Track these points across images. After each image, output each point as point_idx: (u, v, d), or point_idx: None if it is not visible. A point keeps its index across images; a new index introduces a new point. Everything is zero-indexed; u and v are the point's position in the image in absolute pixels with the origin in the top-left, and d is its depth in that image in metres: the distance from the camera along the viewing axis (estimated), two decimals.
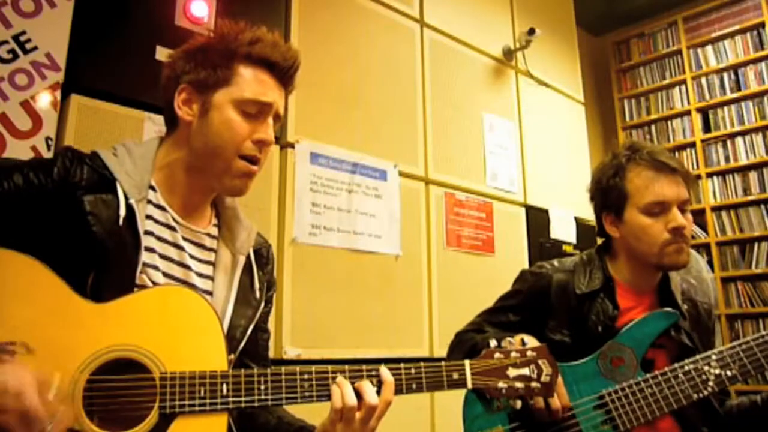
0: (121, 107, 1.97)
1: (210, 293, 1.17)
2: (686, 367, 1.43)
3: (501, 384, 1.15)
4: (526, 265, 3.07)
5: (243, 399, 1.02)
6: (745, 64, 4.76)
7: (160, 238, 1.13)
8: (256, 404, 1.03)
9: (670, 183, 1.52)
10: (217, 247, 1.22)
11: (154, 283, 1.08)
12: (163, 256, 1.12)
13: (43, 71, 1.86)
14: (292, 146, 2.39)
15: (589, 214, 3.22)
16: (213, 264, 1.20)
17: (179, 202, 1.17)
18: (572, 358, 1.49)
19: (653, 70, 5.23)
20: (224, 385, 1.01)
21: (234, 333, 1.15)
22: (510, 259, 3.13)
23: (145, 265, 1.07)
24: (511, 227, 3.25)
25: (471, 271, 2.95)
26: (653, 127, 5.19)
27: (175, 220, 1.16)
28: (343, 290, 2.43)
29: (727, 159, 4.76)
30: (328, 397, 1.06)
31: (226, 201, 1.27)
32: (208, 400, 0.99)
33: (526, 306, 1.62)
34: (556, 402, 1.33)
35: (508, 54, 3.50)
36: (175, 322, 1.03)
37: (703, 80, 4.94)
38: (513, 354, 1.18)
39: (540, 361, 1.19)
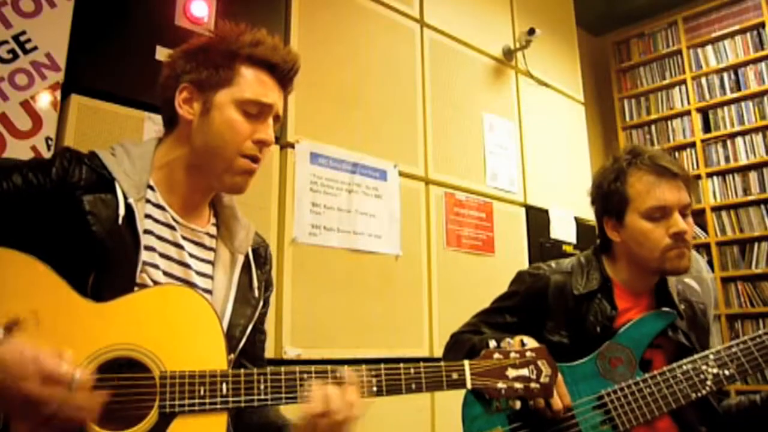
0: (121, 107, 1.98)
1: (210, 292, 1.17)
2: (684, 367, 1.43)
3: (500, 384, 1.16)
4: (526, 265, 3.07)
5: (243, 398, 1.02)
6: (745, 64, 4.76)
7: (159, 237, 1.13)
8: (255, 404, 1.03)
9: (671, 188, 1.52)
10: (216, 246, 1.23)
11: (155, 282, 1.08)
12: (163, 255, 1.12)
13: (43, 71, 1.86)
14: (292, 146, 2.39)
15: (589, 214, 3.23)
16: (212, 263, 1.21)
17: (178, 201, 1.18)
18: (571, 359, 1.49)
19: (653, 70, 5.24)
20: (224, 385, 1.01)
21: (233, 332, 1.16)
22: (510, 259, 3.13)
23: (145, 263, 1.08)
24: (511, 227, 3.25)
25: (471, 271, 2.95)
26: (653, 127, 5.19)
27: (174, 219, 1.16)
28: (343, 290, 2.43)
29: (727, 159, 4.76)
30: None
31: (224, 200, 1.28)
32: (207, 400, 0.99)
33: (524, 307, 1.62)
34: (557, 402, 1.33)
35: (508, 54, 3.50)
36: (175, 322, 1.03)
37: (703, 80, 4.94)
38: (512, 355, 1.18)
39: (539, 362, 1.19)
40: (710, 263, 4.52)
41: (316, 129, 2.49)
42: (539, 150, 3.57)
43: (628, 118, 5.32)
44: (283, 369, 1.06)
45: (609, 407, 1.43)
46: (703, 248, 4.70)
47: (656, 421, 1.43)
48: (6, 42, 1.81)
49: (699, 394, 1.41)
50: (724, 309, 4.55)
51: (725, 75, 4.84)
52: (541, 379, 1.17)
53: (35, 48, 1.86)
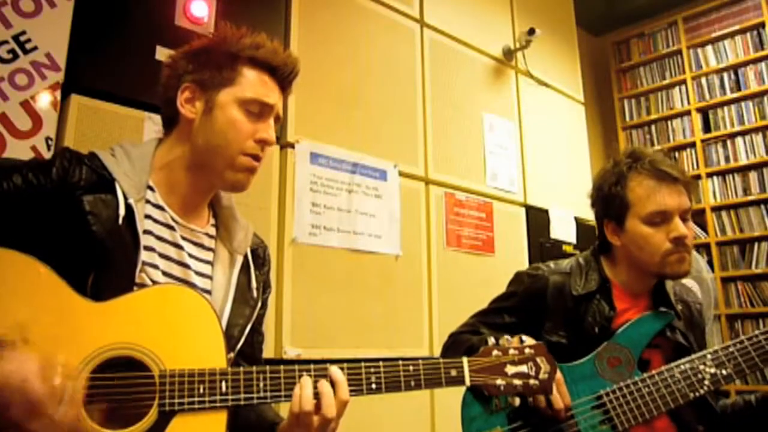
0: (121, 107, 1.98)
1: (209, 292, 1.17)
2: (682, 367, 1.44)
3: (499, 381, 1.16)
4: (526, 265, 3.07)
5: (242, 396, 1.02)
6: (745, 64, 4.76)
7: (159, 237, 1.13)
8: (255, 402, 1.03)
9: (672, 192, 1.52)
10: (215, 247, 1.23)
11: (154, 282, 1.08)
12: (162, 255, 1.13)
13: (43, 71, 1.86)
14: (292, 146, 2.39)
15: (589, 214, 3.22)
16: (211, 263, 1.21)
17: (178, 201, 1.18)
18: (569, 359, 1.49)
19: (653, 70, 5.24)
20: (223, 383, 1.01)
21: (232, 331, 1.16)
22: (510, 259, 3.13)
23: (144, 263, 1.08)
24: (511, 227, 3.25)
25: (471, 271, 2.95)
26: (653, 127, 5.19)
27: (173, 220, 1.17)
28: (343, 290, 2.43)
29: (727, 159, 4.76)
30: None
31: (222, 201, 1.28)
32: (207, 398, 1.00)
33: (522, 308, 1.62)
34: (558, 401, 1.34)
35: (508, 54, 3.50)
36: (174, 321, 1.04)
37: (703, 80, 4.94)
38: (511, 351, 1.18)
39: (538, 359, 1.19)
40: (710, 263, 4.52)
41: (316, 129, 2.49)
42: (539, 150, 3.58)
43: (628, 118, 5.32)
44: (282, 368, 1.06)
45: (608, 407, 1.43)
46: (703, 248, 4.70)
47: (654, 420, 1.43)
48: (6, 42, 1.81)
49: (697, 394, 1.41)
50: (724, 309, 4.55)
51: (725, 75, 4.84)
52: (540, 376, 1.17)
53: (35, 48, 1.86)
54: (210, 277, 1.19)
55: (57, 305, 0.97)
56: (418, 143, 2.90)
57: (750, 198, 4.59)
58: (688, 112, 4.99)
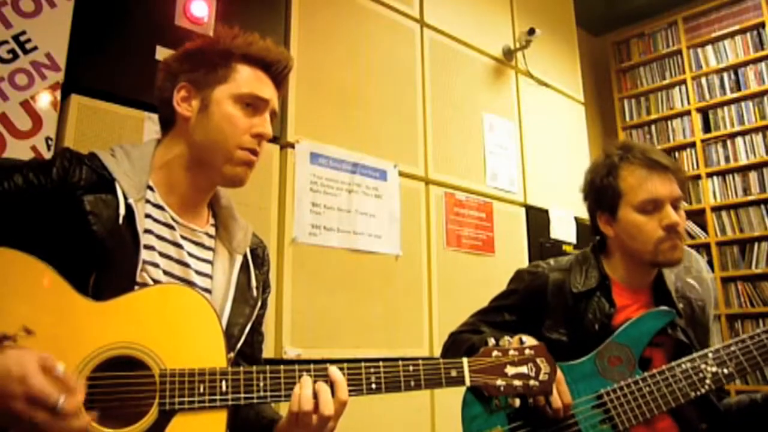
0: (121, 107, 1.98)
1: (209, 291, 1.18)
2: (683, 366, 1.43)
3: (499, 382, 1.16)
4: (526, 265, 3.07)
5: (242, 396, 1.02)
6: (745, 64, 4.76)
7: (159, 237, 1.14)
8: (255, 401, 1.04)
9: (663, 181, 1.54)
10: (214, 246, 1.24)
11: (155, 281, 1.09)
12: (162, 254, 1.13)
13: (43, 71, 1.86)
14: (292, 146, 2.39)
15: None
16: (211, 262, 1.22)
17: (177, 201, 1.19)
18: (569, 357, 1.49)
19: (653, 70, 5.24)
20: (223, 382, 1.02)
21: (232, 331, 1.16)
22: (510, 259, 3.13)
23: (145, 262, 1.08)
24: (511, 227, 3.25)
25: (471, 271, 2.96)
26: (653, 127, 5.19)
27: (173, 219, 1.17)
28: (343, 290, 2.43)
29: (727, 159, 4.76)
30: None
31: (222, 201, 1.29)
32: (207, 397, 1.00)
33: (522, 305, 1.63)
34: (557, 400, 1.34)
35: (508, 54, 3.51)
36: (174, 320, 1.04)
37: (703, 80, 4.94)
38: (511, 352, 1.19)
39: (538, 360, 1.19)
40: (710, 263, 4.52)
41: (316, 129, 2.50)
42: (539, 150, 3.58)
43: (628, 118, 5.32)
44: (282, 367, 1.06)
45: (608, 406, 1.43)
46: (703, 248, 4.70)
47: (655, 419, 1.43)
48: (6, 42, 1.82)
49: (698, 393, 1.41)
50: (724, 309, 4.55)
51: (725, 75, 4.84)
52: (540, 377, 1.17)
53: (35, 48, 1.86)
54: (210, 277, 1.20)
55: (58, 305, 0.97)
56: (418, 143, 2.90)
57: (750, 198, 4.59)
58: (688, 112, 4.99)
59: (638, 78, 5.31)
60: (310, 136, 2.46)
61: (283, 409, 1.14)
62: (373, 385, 1.09)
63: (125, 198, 1.09)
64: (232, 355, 1.12)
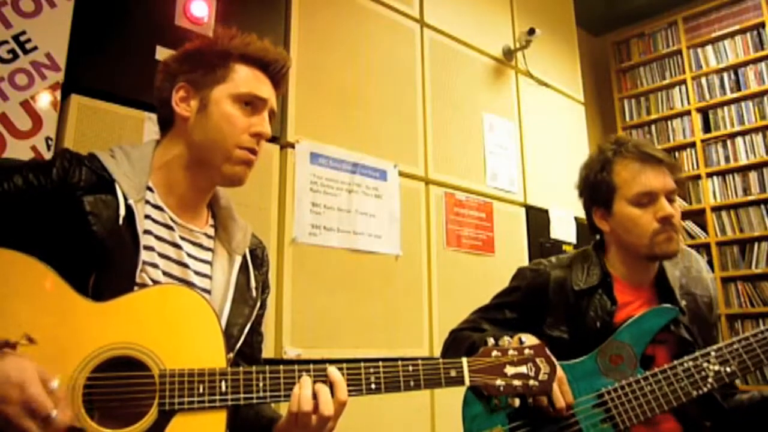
0: (121, 107, 1.98)
1: (208, 292, 1.18)
2: (685, 364, 1.43)
3: (498, 382, 1.16)
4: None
5: (242, 396, 1.02)
6: (745, 64, 4.76)
7: (158, 237, 1.14)
8: (254, 401, 1.04)
9: (657, 173, 1.55)
10: (214, 247, 1.24)
11: (154, 281, 1.09)
12: (162, 255, 1.13)
13: (43, 71, 1.86)
14: (292, 146, 2.39)
15: None
16: (210, 263, 1.22)
17: (177, 202, 1.19)
18: (571, 355, 1.49)
19: (653, 70, 5.24)
20: (223, 383, 1.02)
21: (232, 331, 1.16)
22: (510, 259, 3.13)
23: (144, 263, 1.08)
24: (511, 227, 3.25)
25: (471, 271, 2.95)
26: (653, 127, 5.19)
27: (172, 220, 1.17)
28: (343, 290, 2.43)
29: (727, 159, 4.76)
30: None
31: (221, 201, 1.29)
32: (207, 397, 1.00)
33: (524, 303, 1.63)
34: (560, 399, 1.33)
35: (508, 54, 3.50)
36: (174, 321, 1.04)
37: (703, 80, 4.94)
38: (510, 352, 1.18)
39: (538, 359, 1.19)
40: (710, 263, 4.52)
41: (316, 129, 2.49)
42: (539, 150, 3.58)
43: (628, 118, 5.32)
44: (281, 368, 1.06)
45: (609, 405, 1.43)
46: (703, 248, 4.69)
47: (657, 418, 1.43)
48: (6, 42, 1.82)
49: (700, 392, 1.40)
50: (724, 309, 4.55)
51: (725, 75, 4.84)
52: (540, 377, 1.17)
53: (35, 48, 1.86)
54: (209, 277, 1.20)
55: (58, 305, 0.97)
56: (418, 143, 2.90)
57: (750, 198, 4.59)
58: (688, 112, 4.99)
59: (638, 78, 5.31)
60: (310, 136, 2.46)
61: (283, 409, 1.13)
62: (373, 386, 1.09)
63: (125, 199, 1.09)
64: (231, 355, 1.12)
